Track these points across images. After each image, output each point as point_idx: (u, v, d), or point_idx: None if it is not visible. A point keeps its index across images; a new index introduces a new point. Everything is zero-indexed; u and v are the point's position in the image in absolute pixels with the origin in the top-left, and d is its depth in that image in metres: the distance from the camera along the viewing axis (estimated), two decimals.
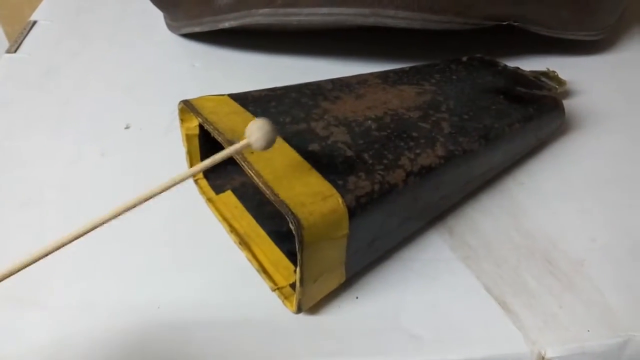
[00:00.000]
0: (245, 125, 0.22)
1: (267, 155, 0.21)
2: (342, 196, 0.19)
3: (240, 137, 0.21)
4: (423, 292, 0.22)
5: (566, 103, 0.32)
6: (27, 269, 0.23)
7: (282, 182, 0.19)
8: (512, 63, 0.33)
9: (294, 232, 0.18)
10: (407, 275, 0.23)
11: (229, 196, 0.26)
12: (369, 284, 0.23)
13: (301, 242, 0.18)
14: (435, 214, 0.25)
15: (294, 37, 0.38)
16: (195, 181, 0.27)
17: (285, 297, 0.22)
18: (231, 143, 0.21)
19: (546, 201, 0.26)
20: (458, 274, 0.23)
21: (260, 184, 0.19)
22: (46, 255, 0.16)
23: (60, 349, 0.20)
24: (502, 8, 0.32)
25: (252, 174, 0.20)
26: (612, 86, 0.35)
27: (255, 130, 0.18)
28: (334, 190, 0.20)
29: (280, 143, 0.21)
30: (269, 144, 0.18)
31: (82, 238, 0.24)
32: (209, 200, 0.26)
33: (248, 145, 0.19)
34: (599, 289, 0.22)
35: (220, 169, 0.27)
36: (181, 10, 0.37)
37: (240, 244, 0.24)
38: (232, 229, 0.25)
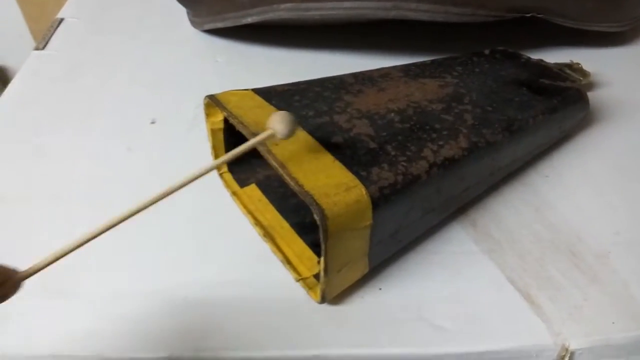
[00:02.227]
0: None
1: (291, 147, 0.21)
2: (366, 187, 0.20)
3: (265, 129, 0.22)
4: (446, 284, 0.22)
5: (590, 95, 0.32)
6: (58, 260, 0.23)
7: (306, 173, 0.20)
8: (535, 55, 0.33)
9: (318, 223, 0.18)
10: (430, 268, 0.23)
11: (253, 189, 0.27)
12: (392, 276, 0.23)
13: (325, 232, 0.18)
14: (458, 205, 0.25)
15: (315, 32, 0.38)
16: (220, 175, 0.27)
17: (310, 288, 0.22)
18: (256, 136, 0.21)
19: (570, 194, 0.26)
20: (481, 267, 0.23)
21: (285, 175, 0.20)
22: (79, 246, 0.16)
23: (92, 336, 0.21)
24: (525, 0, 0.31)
25: (277, 165, 0.20)
26: (637, 78, 0.34)
27: (277, 120, 0.19)
28: (358, 181, 0.20)
29: (304, 135, 0.22)
30: (291, 133, 0.19)
31: (111, 230, 0.25)
32: (234, 193, 0.26)
33: (271, 136, 0.19)
34: (624, 281, 0.22)
35: (244, 163, 0.27)
36: (204, 7, 0.37)
37: (264, 236, 0.24)
38: (257, 222, 0.25)
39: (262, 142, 0.21)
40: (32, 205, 0.27)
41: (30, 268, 0.15)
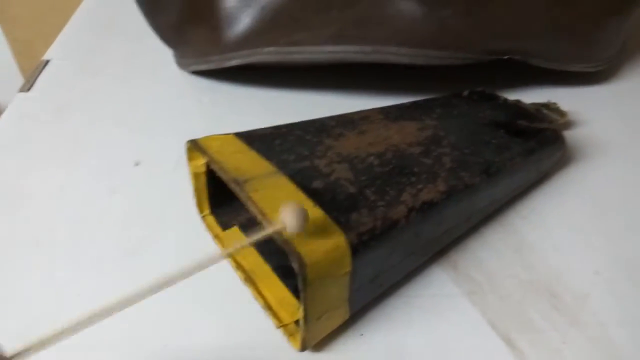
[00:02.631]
0: (251, 163, 0.23)
1: (271, 194, 0.21)
2: (345, 233, 0.20)
3: (245, 175, 0.22)
4: (427, 328, 0.22)
5: (568, 134, 0.33)
6: (34, 306, 0.23)
7: None
8: (514, 95, 0.33)
9: (296, 271, 0.18)
10: (412, 312, 0.23)
11: (235, 232, 0.27)
12: (373, 321, 0.23)
13: (304, 280, 0.18)
14: (438, 248, 0.25)
15: (299, 72, 0.39)
16: (203, 217, 0.27)
17: (290, 335, 0.22)
18: (236, 182, 0.22)
19: (550, 234, 0.27)
20: (462, 310, 0.23)
21: (264, 222, 0.20)
22: (71, 334, 0.16)
23: None
24: (502, 43, 0.32)
25: (257, 213, 0.20)
26: (614, 116, 0.35)
27: (289, 214, 0.18)
28: (337, 228, 0.20)
29: (284, 181, 0.22)
30: (302, 228, 0.18)
31: (89, 277, 0.25)
32: (216, 236, 0.26)
33: (283, 229, 0.19)
34: (603, 323, 0.22)
35: (227, 205, 0.27)
36: (190, 49, 0.38)
37: (245, 280, 0.24)
38: (238, 266, 0.25)
39: (242, 189, 0.21)
40: (15, 251, 0.26)
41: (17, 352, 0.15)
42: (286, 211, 0.18)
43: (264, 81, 0.39)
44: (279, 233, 0.19)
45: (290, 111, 0.36)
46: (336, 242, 0.19)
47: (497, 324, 0.22)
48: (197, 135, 0.25)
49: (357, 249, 0.20)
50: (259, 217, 0.20)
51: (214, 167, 0.23)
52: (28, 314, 0.23)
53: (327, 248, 0.19)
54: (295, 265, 0.18)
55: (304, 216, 0.18)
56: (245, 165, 0.23)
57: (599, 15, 0.32)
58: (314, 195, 0.21)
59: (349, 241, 0.20)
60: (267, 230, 0.19)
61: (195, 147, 0.24)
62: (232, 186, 0.22)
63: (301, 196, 0.21)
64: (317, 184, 0.22)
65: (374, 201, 0.22)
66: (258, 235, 0.19)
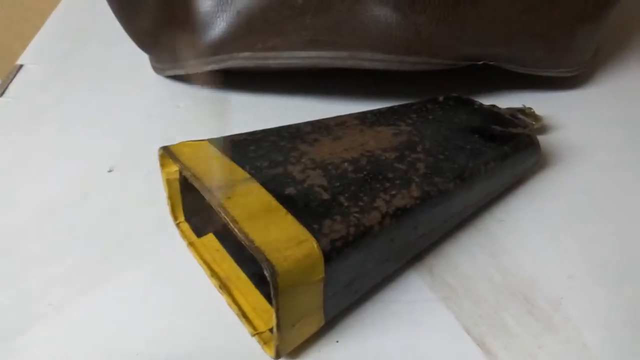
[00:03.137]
0: (223, 170, 0.23)
1: (243, 201, 0.21)
2: (317, 240, 0.20)
3: (217, 182, 0.22)
4: (403, 334, 0.22)
5: (543, 138, 0.33)
6: (3, 315, 0.22)
7: (257, 227, 0.20)
8: (490, 99, 0.34)
9: (268, 279, 0.18)
10: (387, 318, 0.23)
11: (210, 239, 0.26)
12: (349, 327, 0.23)
13: (276, 289, 0.18)
14: (414, 253, 0.25)
15: (276, 77, 0.38)
16: (177, 224, 0.27)
17: (265, 342, 0.21)
18: (208, 189, 0.21)
19: (524, 238, 0.27)
20: (438, 315, 0.23)
21: (236, 230, 0.19)
22: None
23: None
24: (476, 49, 0.32)
25: (229, 220, 0.20)
26: (588, 120, 0.36)
27: None
28: (309, 235, 0.20)
29: (257, 188, 0.22)
30: None
31: (61, 286, 0.25)
32: (190, 244, 0.26)
33: None
34: (577, 327, 0.22)
35: (202, 212, 0.27)
36: (166, 53, 0.38)
37: (220, 287, 0.24)
38: (213, 273, 0.25)
39: (215, 196, 0.21)
40: None
41: None
42: None
43: (241, 86, 0.39)
44: (245, 235, 0.19)
45: (268, 116, 0.36)
46: (308, 249, 0.19)
47: (471, 329, 0.22)
48: (173, 140, 0.25)
49: (330, 255, 0.20)
50: (231, 225, 0.20)
51: (186, 174, 0.22)
52: None
53: (299, 255, 0.19)
54: (266, 274, 0.18)
55: None
56: (218, 171, 0.23)
57: (571, 21, 0.33)
58: (287, 202, 0.21)
59: (322, 248, 0.19)
60: None
61: (167, 153, 0.24)
62: (204, 193, 0.21)
63: (274, 203, 0.21)
64: (290, 190, 0.22)
65: (348, 207, 0.21)
66: None
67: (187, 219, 0.27)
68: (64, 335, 0.22)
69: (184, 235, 0.27)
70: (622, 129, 0.35)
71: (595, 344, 0.22)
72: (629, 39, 0.46)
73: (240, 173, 0.23)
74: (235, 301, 0.23)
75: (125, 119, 0.36)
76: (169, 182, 0.26)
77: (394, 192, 0.23)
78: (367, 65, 0.30)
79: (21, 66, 0.42)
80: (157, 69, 0.39)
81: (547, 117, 0.34)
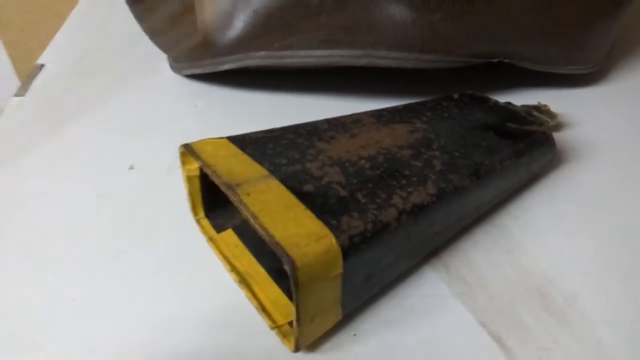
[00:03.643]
0: (243, 167, 0.23)
1: (263, 197, 0.21)
2: (336, 236, 0.20)
3: (237, 179, 0.22)
4: (419, 329, 0.23)
5: (559, 136, 0.33)
6: (27, 310, 0.23)
7: (277, 223, 0.20)
8: (505, 97, 0.34)
9: (288, 274, 0.19)
10: (404, 313, 0.23)
11: (229, 235, 0.27)
12: (366, 321, 0.23)
13: (296, 283, 0.19)
14: (430, 249, 0.25)
15: (292, 75, 0.39)
16: (197, 220, 0.27)
17: (284, 336, 0.22)
18: (228, 186, 0.22)
19: (540, 235, 0.27)
20: (453, 310, 0.23)
21: (256, 226, 0.20)
22: None
23: None
24: (491, 46, 0.33)
25: (249, 216, 0.20)
26: (604, 118, 0.36)
27: None
28: (328, 231, 0.20)
29: (276, 185, 0.22)
30: None
31: (81, 279, 0.25)
32: (210, 239, 0.27)
33: None
34: (592, 323, 0.22)
35: (221, 208, 0.27)
36: (183, 53, 0.38)
37: (240, 282, 0.24)
38: (233, 268, 0.25)
39: (235, 193, 0.21)
40: (6, 256, 0.27)
41: None
42: None
43: (258, 84, 0.39)
44: (265, 230, 0.19)
45: (285, 114, 0.37)
46: (327, 245, 0.20)
47: (487, 324, 0.23)
48: (192, 138, 0.25)
49: (348, 251, 0.20)
50: (251, 221, 0.20)
51: (207, 171, 0.23)
52: (21, 319, 0.23)
53: (319, 251, 0.19)
54: (287, 268, 0.19)
55: None
56: (238, 168, 0.23)
57: (586, 17, 0.33)
58: (306, 198, 0.22)
59: (340, 244, 0.20)
60: None
61: (188, 151, 0.24)
62: (225, 190, 0.22)
63: (293, 199, 0.21)
64: (308, 187, 0.22)
65: (365, 204, 0.22)
66: None
67: (207, 215, 0.28)
68: (84, 330, 0.23)
69: (204, 230, 0.27)
70: (637, 127, 0.35)
71: (610, 340, 0.22)
72: None
73: (259, 170, 0.23)
74: (254, 295, 0.24)
75: (144, 118, 0.37)
76: (189, 179, 0.26)
77: (410, 189, 0.23)
78: (382, 63, 0.31)
79: (42, 66, 0.43)
80: (175, 68, 0.40)
81: (562, 114, 0.34)
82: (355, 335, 0.23)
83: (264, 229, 0.20)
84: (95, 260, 0.26)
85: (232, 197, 0.21)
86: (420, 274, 0.25)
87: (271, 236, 0.19)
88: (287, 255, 0.19)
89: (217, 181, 0.22)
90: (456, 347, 0.22)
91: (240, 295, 0.24)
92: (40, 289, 0.25)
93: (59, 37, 0.47)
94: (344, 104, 0.37)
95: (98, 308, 0.24)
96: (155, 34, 0.38)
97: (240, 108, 0.38)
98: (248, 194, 0.21)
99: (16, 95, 0.39)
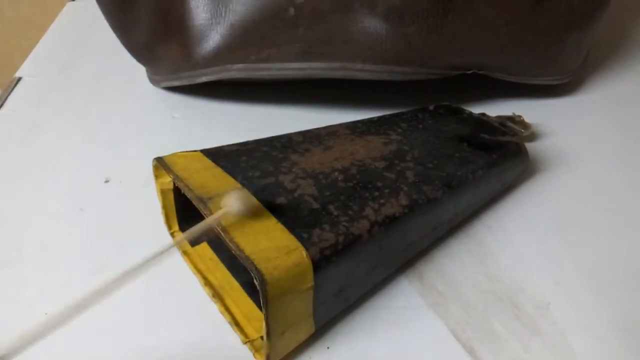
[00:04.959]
0: (216, 180, 0.23)
1: None
2: (306, 249, 0.20)
3: (209, 192, 0.22)
4: (393, 340, 0.23)
5: (532, 146, 0.33)
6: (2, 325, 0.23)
7: (248, 237, 0.20)
8: (481, 107, 0.34)
9: (258, 288, 0.19)
10: (377, 324, 0.23)
11: (204, 248, 0.27)
12: (340, 334, 0.23)
13: (265, 297, 0.19)
14: (404, 260, 0.26)
15: (270, 87, 0.39)
16: (171, 234, 0.27)
17: (256, 350, 0.22)
18: (200, 199, 0.22)
19: (513, 244, 0.27)
20: (427, 321, 0.23)
21: (227, 240, 0.20)
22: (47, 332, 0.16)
23: None
24: (465, 58, 0.33)
25: (220, 230, 0.20)
26: (577, 128, 0.36)
27: (233, 198, 0.20)
28: (298, 244, 0.20)
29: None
30: (247, 210, 0.21)
31: (54, 295, 0.25)
32: (184, 252, 0.27)
33: (226, 213, 0.20)
34: (563, 332, 0.23)
35: (196, 221, 0.27)
36: (162, 65, 0.38)
37: (213, 296, 0.24)
38: (207, 282, 0.25)
39: (207, 206, 0.21)
40: None
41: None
42: (229, 195, 0.20)
43: (236, 96, 0.39)
44: (235, 245, 0.19)
45: (263, 126, 0.37)
46: (298, 258, 0.20)
47: (460, 335, 0.23)
48: (170, 150, 0.25)
49: (319, 264, 0.20)
50: (222, 235, 0.20)
51: (179, 184, 0.23)
52: None
53: (289, 264, 0.19)
54: (256, 283, 0.19)
55: (247, 199, 0.20)
56: (210, 182, 0.23)
57: (559, 30, 0.33)
58: (278, 211, 0.22)
59: (311, 257, 0.20)
60: (214, 215, 0.20)
61: (161, 164, 0.24)
62: (196, 203, 0.22)
63: (264, 212, 0.22)
64: (280, 200, 0.22)
65: (337, 216, 0.22)
66: (206, 221, 0.20)
67: (182, 229, 0.27)
68: (57, 344, 0.23)
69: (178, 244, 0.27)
70: (610, 136, 0.35)
71: (582, 349, 0.22)
72: (618, 46, 0.46)
73: (232, 183, 0.23)
74: (227, 309, 0.24)
75: (122, 130, 0.37)
76: (163, 193, 0.26)
77: (382, 201, 0.23)
78: (358, 75, 0.31)
79: (19, 79, 0.42)
80: (154, 81, 0.40)
81: (536, 124, 0.35)
82: (328, 348, 0.23)
83: (234, 243, 0.20)
84: (70, 275, 0.26)
85: (203, 211, 0.21)
86: (394, 284, 0.25)
87: (241, 250, 0.19)
88: (257, 269, 0.19)
89: (188, 195, 0.22)
90: (429, 357, 0.22)
91: (213, 309, 0.24)
92: (17, 304, 0.25)
93: (37, 50, 0.47)
94: (320, 116, 0.37)
95: (70, 323, 0.24)
96: (134, 48, 0.38)
97: (218, 120, 0.38)
98: (220, 208, 0.21)
99: None
